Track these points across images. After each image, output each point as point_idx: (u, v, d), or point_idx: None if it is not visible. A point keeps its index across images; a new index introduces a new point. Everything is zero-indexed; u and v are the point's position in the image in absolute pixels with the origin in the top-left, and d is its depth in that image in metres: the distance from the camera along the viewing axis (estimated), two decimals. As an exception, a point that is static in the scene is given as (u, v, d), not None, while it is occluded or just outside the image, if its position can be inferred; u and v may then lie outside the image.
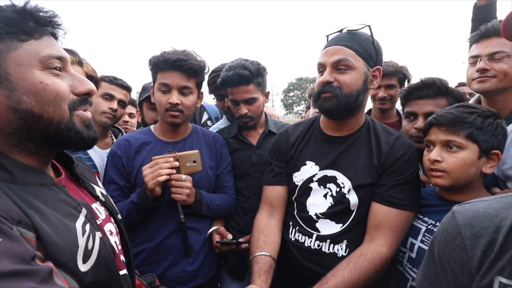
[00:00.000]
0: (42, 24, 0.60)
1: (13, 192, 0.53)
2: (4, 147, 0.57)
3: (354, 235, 1.10)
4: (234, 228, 1.47)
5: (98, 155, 1.63)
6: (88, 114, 0.67)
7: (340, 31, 1.13)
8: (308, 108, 2.98)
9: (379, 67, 1.12)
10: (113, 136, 1.82)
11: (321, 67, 1.11)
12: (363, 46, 1.07)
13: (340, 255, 1.09)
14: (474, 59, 1.23)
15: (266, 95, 1.58)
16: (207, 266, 1.37)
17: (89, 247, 0.60)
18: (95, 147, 1.48)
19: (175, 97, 1.24)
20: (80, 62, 1.28)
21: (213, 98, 2.02)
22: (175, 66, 1.23)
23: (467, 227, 0.62)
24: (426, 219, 1.06)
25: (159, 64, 1.24)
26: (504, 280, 0.56)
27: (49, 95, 0.58)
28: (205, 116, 2.35)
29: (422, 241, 1.03)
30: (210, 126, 2.10)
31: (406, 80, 2.01)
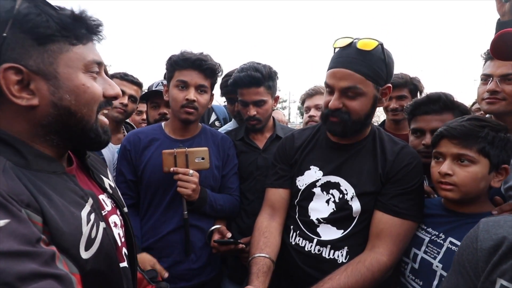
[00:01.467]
0: (91, 32, 0.65)
1: (26, 177, 0.55)
2: (27, 136, 0.60)
3: (355, 242, 1.09)
4: (236, 230, 1.47)
5: (109, 150, 1.66)
6: (106, 120, 0.72)
7: (350, 44, 1.04)
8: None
9: (389, 85, 1.10)
10: (125, 132, 1.86)
11: (329, 88, 1.09)
12: (373, 67, 1.02)
13: (340, 261, 1.08)
14: (486, 77, 1.22)
15: (276, 99, 1.60)
16: (211, 264, 1.38)
17: (92, 235, 0.62)
18: (109, 146, 1.52)
19: (192, 94, 1.28)
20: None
21: (224, 102, 2.05)
22: (195, 65, 1.28)
23: (484, 233, 0.68)
24: (430, 229, 1.05)
25: (179, 62, 1.28)
26: (505, 283, 0.59)
27: (87, 97, 0.63)
28: (213, 117, 2.38)
29: (425, 252, 1.02)
30: (218, 127, 2.13)
31: (419, 92, 1.98)
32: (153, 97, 1.90)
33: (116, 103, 1.68)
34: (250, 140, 1.57)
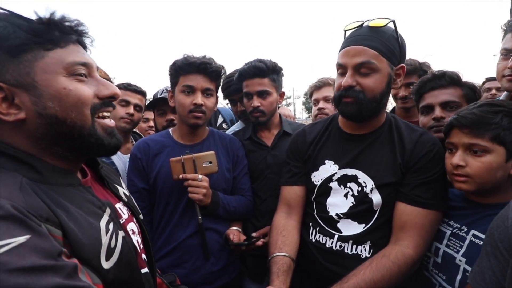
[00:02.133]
0: (66, 33, 0.62)
1: (43, 191, 0.55)
2: (36, 150, 0.60)
3: (378, 236, 1.06)
4: (252, 230, 1.46)
5: (121, 159, 1.67)
6: (110, 122, 0.69)
7: (361, 25, 1.03)
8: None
9: (403, 64, 1.06)
10: (133, 141, 1.87)
11: (341, 68, 1.04)
12: (387, 44, 0.99)
13: (364, 256, 1.05)
14: (508, 52, 1.14)
15: (281, 95, 1.59)
16: (231, 265, 1.37)
17: (112, 245, 0.62)
18: (119, 153, 1.54)
19: (199, 98, 1.28)
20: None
21: (227, 104, 2.06)
22: (200, 69, 1.27)
23: None
24: (451, 222, 1.01)
25: (184, 67, 1.27)
26: None
27: (72, 100, 0.60)
28: (220, 119, 2.39)
29: (447, 246, 0.98)
30: (225, 129, 2.13)
31: None
32: (159, 104, 1.91)
33: (122, 113, 1.69)
34: (258, 138, 1.57)
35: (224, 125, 2.34)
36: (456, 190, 1.10)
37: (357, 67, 0.99)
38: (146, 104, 1.97)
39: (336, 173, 1.12)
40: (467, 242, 0.92)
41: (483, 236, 0.88)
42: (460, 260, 0.92)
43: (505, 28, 1.19)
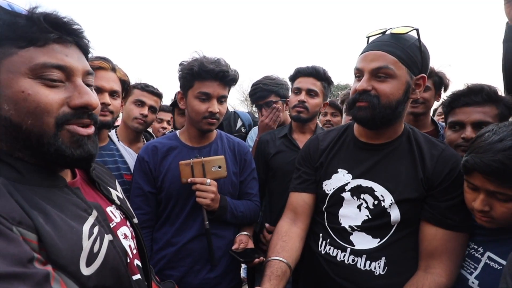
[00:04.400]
0: (46, 31, 0.55)
1: (19, 192, 0.52)
2: (10, 151, 0.56)
3: (394, 252, 0.97)
4: (268, 231, 1.48)
5: (133, 158, 1.68)
6: (84, 130, 0.60)
7: (383, 32, 1.02)
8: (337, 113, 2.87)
9: (424, 75, 0.99)
10: (145, 141, 1.88)
11: (359, 73, 1.01)
12: (408, 52, 0.95)
13: (378, 273, 0.96)
14: None
15: (325, 104, 1.67)
16: (230, 274, 1.33)
17: (95, 250, 0.58)
18: (131, 152, 1.52)
19: (216, 106, 1.25)
20: (113, 68, 1.34)
21: (253, 108, 2.08)
22: (218, 77, 1.24)
23: None
24: (469, 242, 0.94)
25: (201, 74, 1.24)
26: None
27: (29, 106, 0.53)
28: (239, 123, 2.40)
29: (461, 266, 0.92)
30: (244, 133, 2.19)
31: (444, 86, 1.81)
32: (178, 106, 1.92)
33: (136, 114, 1.70)
34: (293, 138, 1.61)
35: (242, 129, 2.35)
36: None
37: (374, 71, 0.96)
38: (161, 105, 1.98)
39: (349, 182, 1.05)
40: (481, 264, 0.86)
41: (498, 259, 0.83)
42: (473, 282, 0.86)
43: None
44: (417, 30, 0.96)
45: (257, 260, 1.20)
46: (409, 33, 0.98)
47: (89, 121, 0.62)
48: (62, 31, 0.58)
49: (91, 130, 0.62)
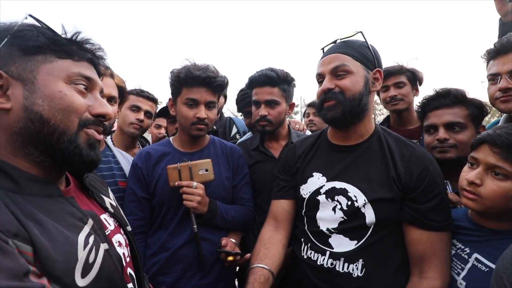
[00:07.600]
0: (84, 50, 0.68)
1: (14, 203, 0.54)
2: (9, 149, 0.60)
3: (372, 255, 1.01)
4: (253, 242, 1.39)
5: (130, 164, 1.72)
6: (99, 136, 0.69)
7: (334, 42, 1.13)
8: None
9: (379, 69, 1.09)
10: (140, 147, 1.93)
11: (320, 78, 1.10)
12: (359, 50, 1.06)
13: (356, 275, 1.00)
14: (494, 76, 1.16)
15: (291, 106, 1.57)
16: (224, 280, 1.34)
17: (90, 260, 0.59)
18: (128, 157, 1.56)
19: (203, 112, 1.29)
20: (111, 75, 1.39)
21: (241, 115, 2.10)
22: (205, 83, 1.28)
23: None
24: (454, 241, 0.98)
25: (188, 81, 1.28)
26: None
27: (63, 104, 0.62)
28: (234, 130, 2.43)
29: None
30: (239, 140, 2.16)
31: (418, 81, 1.89)
32: (169, 112, 1.96)
33: (132, 119, 1.75)
34: (265, 149, 1.55)
35: (237, 136, 2.38)
36: (460, 210, 1.05)
37: (333, 71, 1.05)
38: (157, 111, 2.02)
39: (324, 185, 1.09)
40: (468, 265, 0.90)
41: (485, 261, 0.86)
42: (460, 284, 0.89)
43: (485, 58, 1.21)
44: (361, 32, 1.09)
45: (248, 255, 1.21)
46: (355, 36, 1.09)
47: (102, 129, 0.70)
48: (92, 54, 0.70)
49: (101, 137, 0.70)
